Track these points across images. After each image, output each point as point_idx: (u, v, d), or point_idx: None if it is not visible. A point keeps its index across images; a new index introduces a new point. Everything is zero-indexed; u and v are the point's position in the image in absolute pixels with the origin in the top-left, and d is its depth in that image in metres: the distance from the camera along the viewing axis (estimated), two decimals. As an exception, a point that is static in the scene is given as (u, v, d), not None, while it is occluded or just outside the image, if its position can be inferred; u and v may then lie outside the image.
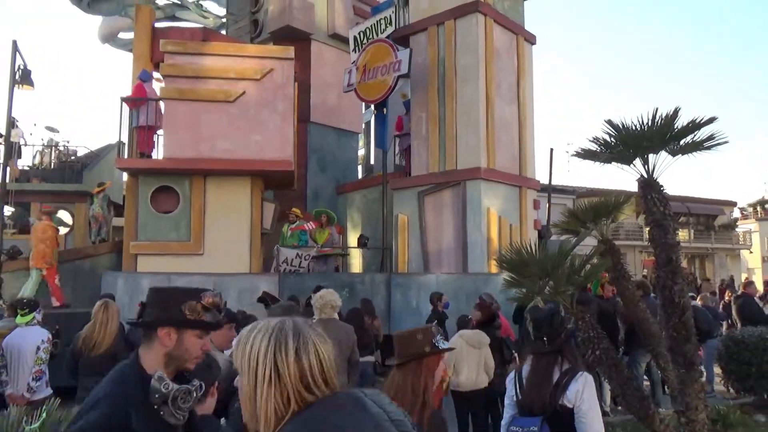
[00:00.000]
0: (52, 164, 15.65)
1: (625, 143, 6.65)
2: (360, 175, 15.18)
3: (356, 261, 12.52)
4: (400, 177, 11.61)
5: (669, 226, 6.75)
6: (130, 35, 15.00)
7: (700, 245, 31.07)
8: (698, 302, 8.56)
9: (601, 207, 7.40)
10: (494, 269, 9.29)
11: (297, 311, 4.67)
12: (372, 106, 12.06)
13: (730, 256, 33.29)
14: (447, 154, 10.60)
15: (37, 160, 15.70)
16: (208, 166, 9.84)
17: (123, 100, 9.98)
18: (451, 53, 10.59)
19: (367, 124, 16.19)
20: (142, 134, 9.99)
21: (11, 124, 14.38)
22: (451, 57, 10.58)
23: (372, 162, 15.68)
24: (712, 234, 31.85)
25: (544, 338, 2.90)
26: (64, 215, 14.75)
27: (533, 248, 6.13)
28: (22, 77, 10.78)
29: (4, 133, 11.43)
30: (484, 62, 10.39)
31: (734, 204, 35.79)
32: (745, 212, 39.85)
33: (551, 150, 13.51)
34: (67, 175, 15.00)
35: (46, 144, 15.82)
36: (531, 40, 11.74)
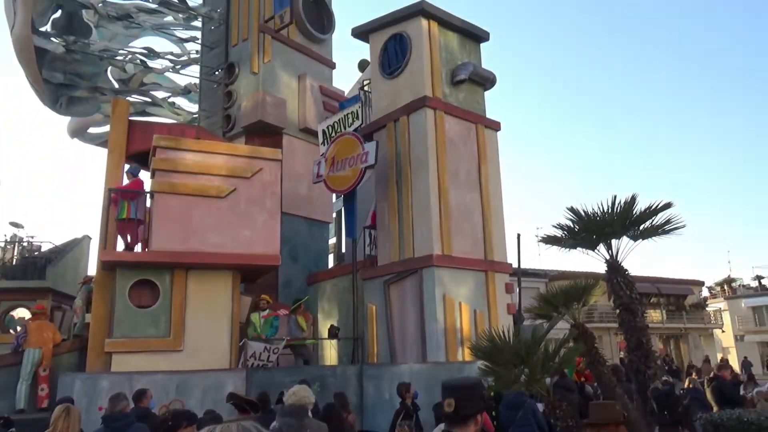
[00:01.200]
0: (15, 260, 15.26)
1: (588, 229, 6.85)
2: (331, 265, 15.11)
3: (327, 352, 12.18)
4: (369, 266, 11.61)
5: (637, 309, 6.82)
6: (99, 130, 15.24)
7: (673, 325, 31.20)
8: (685, 385, 8.42)
9: (571, 291, 7.46)
10: (468, 357, 9.12)
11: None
12: (342, 196, 12.23)
13: (704, 336, 33.43)
14: (405, 243, 10.87)
15: (-1, 257, 15.30)
16: (198, 259, 9.83)
17: (113, 191, 9.86)
18: (406, 147, 11.21)
19: (339, 212, 16.35)
20: (130, 227, 9.81)
21: None
22: (406, 150, 11.21)
23: (343, 251, 15.67)
24: (683, 314, 32.11)
25: (665, 412, 2.89)
26: (23, 313, 14.20)
27: (506, 334, 6.05)
28: (-12, 174, 10.75)
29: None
30: (435, 153, 10.89)
31: (702, 283, 36.42)
32: (713, 291, 40.58)
33: (518, 236, 13.82)
34: (30, 271, 14.59)
35: (9, 240, 15.48)
36: (493, 126, 12.19)
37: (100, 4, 13.55)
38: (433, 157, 10.83)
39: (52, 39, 12.67)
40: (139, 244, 10.07)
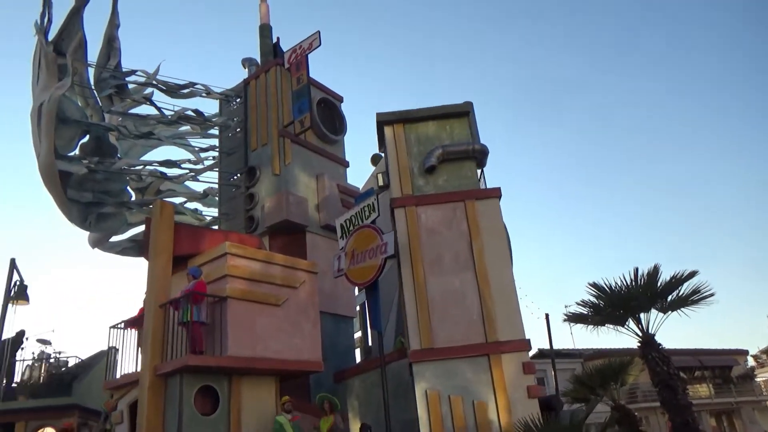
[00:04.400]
0: (42, 378, 15.24)
1: (613, 304, 6.72)
2: (358, 360, 14.82)
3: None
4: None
5: (677, 385, 6.51)
6: (119, 238, 15.69)
7: (723, 400, 29.42)
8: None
9: (606, 370, 7.21)
10: None
11: None
12: (363, 289, 12.21)
13: (758, 410, 31.34)
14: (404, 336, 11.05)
15: (26, 376, 15.30)
16: (265, 365, 10.18)
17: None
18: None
19: (362, 305, 16.24)
20: (199, 331, 9.75)
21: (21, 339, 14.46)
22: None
23: (370, 344, 15.41)
24: (732, 387, 30.36)
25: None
26: (50, 432, 14.00)
27: (536, 422, 5.79)
28: (18, 293, 11.02)
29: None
30: (408, 248, 11.03)
31: (746, 352, 34.73)
32: (759, 360, 38.51)
33: (546, 315, 13.45)
34: (56, 388, 14.54)
35: (36, 358, 15.55)
36: (490, 195, 11.62)
37: (122, 127, 14.44)
38: (405, 252, 11.00)
39: (76, 162, 13.37)
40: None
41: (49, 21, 13.30)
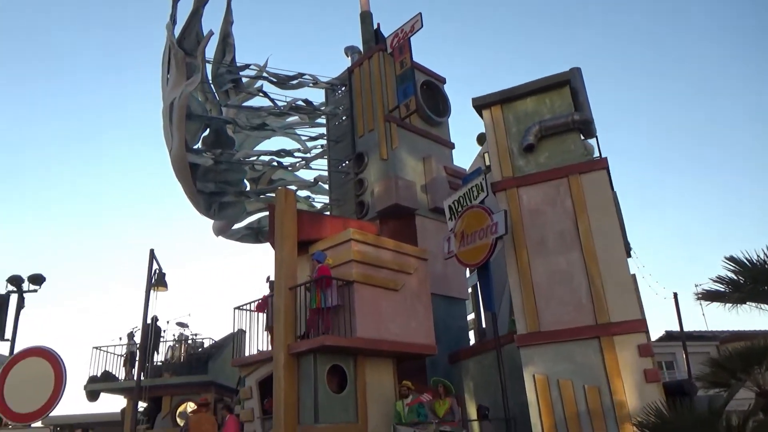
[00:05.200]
0: (182, 358, 16.69)
1: (756, 280, 6.05)
2: (472, 342, 14.75)
3: (478, 435, 11.60)
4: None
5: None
6: (238, 226, 16.73)
7: None
8: None
9: (749, 353, 6.53)
10: None
11: None
12: (475, 271, 12.08)
13: None
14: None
15: (169, 355, 16.85)
16: (387, 347, 10.64)
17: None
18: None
19: (474, 287, 16.09)
20: (322, 314, 10.29)
21: (183, 325, 16.03)
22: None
23: (483, 325, 15.27)
24: None
25: None
26: (192, 407, 15.31)
27: (662, 407, 5.37)
28: (158, 280, 12.10)
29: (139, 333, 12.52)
30: (510, 232, 10.68)
31: None
32: None
33: (675, 295, 12.49)
34: (194, 367, 15.85)
35: (176, 339, 17.05)
36: (596, 167, 10.83)
37: (238, 118, 15.27)
38: (507, 235, 10.67)
39: (203, 154, 14.35)
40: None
41: (175, 22, 14.28)
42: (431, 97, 16.06)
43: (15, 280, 11.91)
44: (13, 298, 11.98)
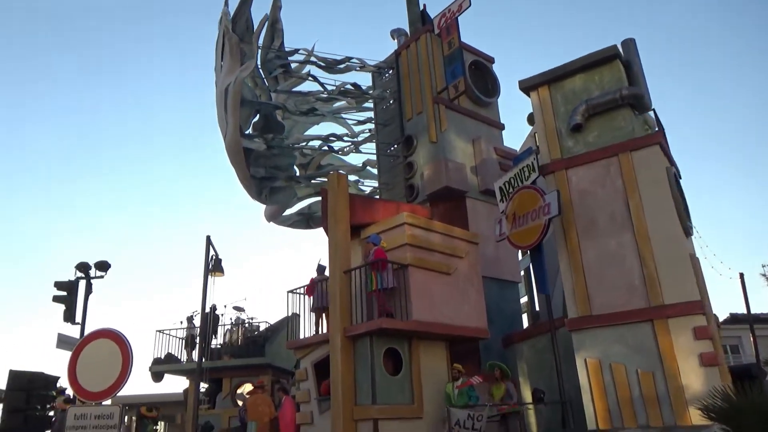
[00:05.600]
0: (239, 341, 17.22)
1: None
2: (526, 325, 14.56)
3: (532, 420, 11.50)
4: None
5: None
6: (289, 212, 17.02)
7: None
8: None
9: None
10: (698, 419, 7.95)
11: None
12: (528, 253, 11.89)
13: None
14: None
15: (227, 339, 17.41)
16: (440, 330, 10.64)
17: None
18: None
19: (527, 270, 15.85)
20: (383, 296, 10.37)
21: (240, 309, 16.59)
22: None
23: (537, 309, 15.04)
24: None
25: None
26: (249, 388, 15.81)
27: (729, 391, 5.15)
28: (215, 266, 12.46)
29: (198, 318, 12.95)
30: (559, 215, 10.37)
31: None
32: None
33: (741, 276, 11.92)
34: (252, 349, 16.34)
35: (234, 323, 17.59)
36: (649, 142, 10.32)
37: (287, 104, 15.41)
38: (556, 220, 10.43)
39: (255, 140, 14.57)
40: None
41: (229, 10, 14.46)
42: (480, 78, 15.79)
43: (83, 267, 12.51)
44: (82, 284, 12.59)
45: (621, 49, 11.35)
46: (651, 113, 11.63)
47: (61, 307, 12.35)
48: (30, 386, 11.32)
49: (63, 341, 11.90)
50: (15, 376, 11.32)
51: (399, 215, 11.22)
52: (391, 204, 12.44)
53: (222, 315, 17.40)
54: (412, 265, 10.69)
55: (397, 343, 10.25)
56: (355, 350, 10.08)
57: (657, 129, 11.48)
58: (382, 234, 11.09)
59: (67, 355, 6.46)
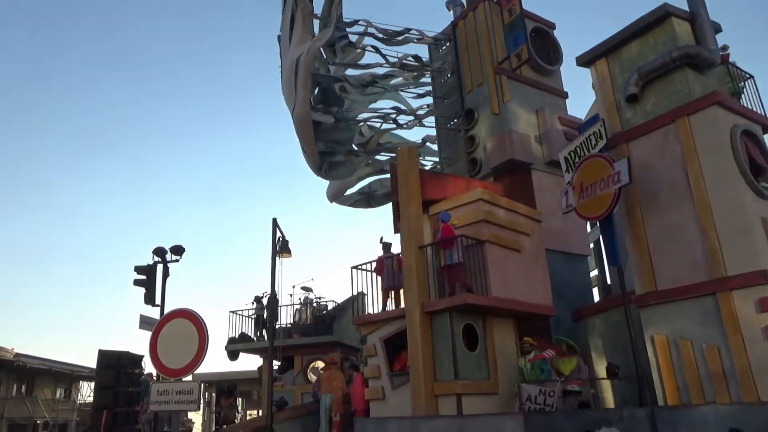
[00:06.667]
0: (308, 320, 17.67)
1: None
2: (597, 298, 14.13)
3: (608, 395, 11.18)
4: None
5: None
6: (351, 191, 17.10)
7: None
8: None
9: None
10: (766, 396, 7.51)
11: None
12: (596, 224, 11.47)
13: None
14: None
15: (297, 318, 17.90)
16: (516, 307, 10.59)
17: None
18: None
19: (596, 242, 15.33)
20: (456, 272, 10.36)
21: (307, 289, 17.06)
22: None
23: (609, 282, 14.55)
24: None
25: None
26: (320, 365, 16.22)
27: None
28: (282, 248, 12.73)
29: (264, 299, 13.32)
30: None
31: None
32: None
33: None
34: (320, 328, 16.73)
35: (302, 303, 18.03)
36: (706, 103, 9.51)
37: (348, 72, 15.28)
38: (623, 191, 9.94)
39: (323, 113, 14.52)
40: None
41: None
42: (541, 45, 15.24)
43: (159, 252, 13.08)
44: (159, 269, 13.18)
45: (687, 2, 10.66)
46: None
47: (142, 291, 12.99)
48: (119, 364, 12.06)
49: (145, 322, 12.56)
50: (104, 356, 12.09)
51: (474, 191, 11.08)
52: (461, 180, 12.29)
53: (291, 296, 17.89)
54: (489, 242, 10.59)
55: (473, 319, 10.23)
56: (432, 326, 10.06)
57: (742, 82, 10.73)
58: (454, 210, 10.98)
59: (149, 335, 6.80)
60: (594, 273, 15.32)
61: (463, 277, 10.28)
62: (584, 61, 11.36)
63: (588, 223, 13.05)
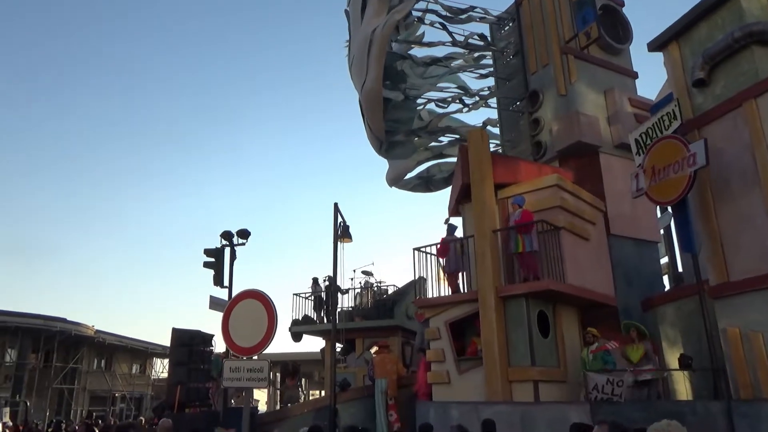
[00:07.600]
0: (369, 303, 17.88)
1: None
2: (667, 287, 13.56)
3: (680, 387, 10.76)
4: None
5: None
6: (410, 175, 17.03)
7: None
8: None
9: None
10: None
11: None
12: (668, 209, 10.97)
13: None
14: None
15: (357, 302, 18.15)
16: (589, 296, 10.44)
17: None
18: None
19: (666, 229, 14.71)
20: (531, 258, 10.22)
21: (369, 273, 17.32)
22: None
23: (680, 270, 13.95)
24: None
25: None
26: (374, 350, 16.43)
27: None
28: (343, 232, 12.90)
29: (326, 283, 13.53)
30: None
31: None
32: None
33: None
34: (381, 312, 16.90)
35: (363, 286, 18.25)
36: None
37: (412, 50, 15.08)
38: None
39: (393, 89, 14.35)
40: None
41: None
42: (610, 23, 14.56)
43: (227, 235, 13.54)
44: (227, 252, 13.66)
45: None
46: None
47: (211, 273, 13.51)
48: (191, 342, 12.63)
49: (215, 303, 13.06)
50: (178, 334, 12.69)
51: (549, 177, 10.82)
52: (532, 164, 12.03)
53: (352, 279, 18.15)
54: (564, 229, 10.37)
55: (544, 306, 10.10)
56: (505, 311, 9.95)
57: None
58: (527, 195, 10.75)
59: (218, 315, 7.07)
60: (664, 260, 14.72)
61: (535, 264, 10.05)
62: (656, 45, 10.82)
63: (658, 208, 12.53)
